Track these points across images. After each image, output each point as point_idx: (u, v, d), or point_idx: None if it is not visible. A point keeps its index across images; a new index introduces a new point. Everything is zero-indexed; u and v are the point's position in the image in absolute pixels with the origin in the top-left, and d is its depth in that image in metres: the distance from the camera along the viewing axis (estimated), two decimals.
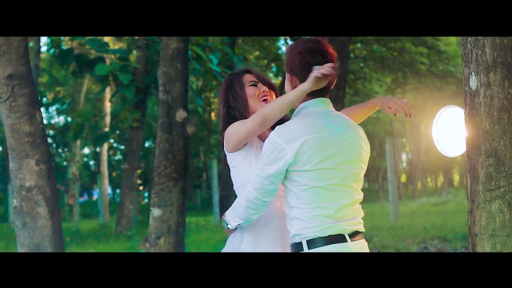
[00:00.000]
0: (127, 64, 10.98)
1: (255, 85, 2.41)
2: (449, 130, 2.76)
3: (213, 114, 27.09)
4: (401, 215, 11.36)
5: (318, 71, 2.03)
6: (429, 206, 17.18)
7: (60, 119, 29.36)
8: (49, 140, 26.07)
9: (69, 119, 27.06)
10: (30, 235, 3.39)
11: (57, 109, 27.53)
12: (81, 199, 28.09)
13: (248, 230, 2.27)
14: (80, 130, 12.73)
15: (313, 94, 2.15)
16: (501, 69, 2.04)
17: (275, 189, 2.12)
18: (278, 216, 2.27)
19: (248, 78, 2.43)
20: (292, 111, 2.28)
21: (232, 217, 2.23)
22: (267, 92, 2.41)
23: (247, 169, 2.26)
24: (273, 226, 2.26)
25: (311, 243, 2.06)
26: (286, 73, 2.21)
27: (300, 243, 2.08)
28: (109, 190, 26.32)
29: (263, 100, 2.39)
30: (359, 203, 2.18)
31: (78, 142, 22.57)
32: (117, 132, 23.86)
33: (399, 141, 32.40)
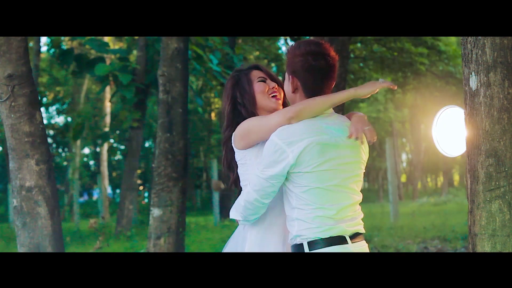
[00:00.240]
0: (127, 64, 10.98)
1: (263, 81, 2.36)
2: (449, 130, 2.76)
3: (213, 114, 27.09)
4: (401, 215, 11.36)
5: (385, 83, 2.14)
6: (429, 206, 17.19)
7: (60, 119, 29.38)
8: (49, 140, 26.06)
9: (69, 119, 27.07)
10: (30, 235, 3.39)
11: (57, 109, 27.54)
12: (81, 199, 28.08)
13: (254, 227, 2.24)
14: (80, 130, 12.73)
15: (309, 95, 2.15)
16: (501, 69, 2.04)
17: (275, 191, 2.12)
18: (284, 215, 2.24)
19: (256, 74, 2.38)
20: None
21: (235, 213, 2.23)
22: (276, 88, 2.36)
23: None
24: (279, 225, 2.22)
25: (312, 244, 2.06)
26: (287, 74, 2.20)
27: (301, 244, 2.08)
28: (109, 190, 26.32)
29: (273, 96, 2.34)
30: (359, 204, 2.19)
31: (78, 142, 22.57)
32: (117, 132, 23.87)
33: (399, 141, 32.42)
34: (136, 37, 12.08)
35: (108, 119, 21.60)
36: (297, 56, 2.13)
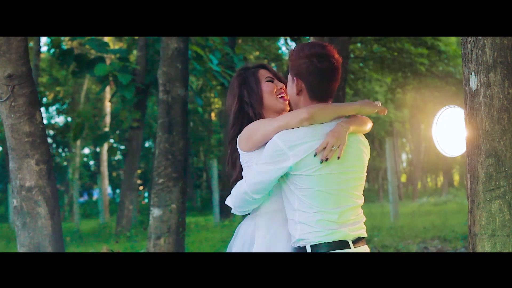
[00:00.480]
0: (127, 65, 10.98)
1: (271, 81, 2.32)
2: (449, 130, 2.77)
3: (213, 114, 27.09)
4: (401, 215, 11.36)
5: (379, 106, 2.22)
6: (429, 206, 17.19)
7: (60, 119, 29.38)
8: (49, 140, 26.06)
9: (69, 119, 27.07)
10: (30, 235, 3.39)
11: (57, 109, 27.54)
12: (81, 199, 28.09)
13: (262, 229, 2.20)
14: (80, 130, 12.74)
15: (315, 100, 2.14)
16: (501, 69, 2.04)
17: (266, 189, 2.11)
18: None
19: (264, 73, 2.34)
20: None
21: (229, 199, 2.23)
22: (283, 89, 2.31)
23: None
24: (287, 228, 2.19)
25: (314, 248, 2.06)
26: (290, 76, 2.19)
27: (304, 247, 2.07)
28: (109, 190, 26.33)
29: (280, 97, 2.31)
30: (361, 207, 2.19)
31: (78, 142, 22.57)
32: (117, 132, 23.87)
33: (399, 141, 32.43)
34: (136, 37, 12.08)
35: (108, 119, 21.61)
36: (302, 58, 2.12)
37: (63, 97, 25.97)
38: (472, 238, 2.12)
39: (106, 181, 19.65)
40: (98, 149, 25.72)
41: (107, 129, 20.56)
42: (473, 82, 2.10)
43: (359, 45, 14.72)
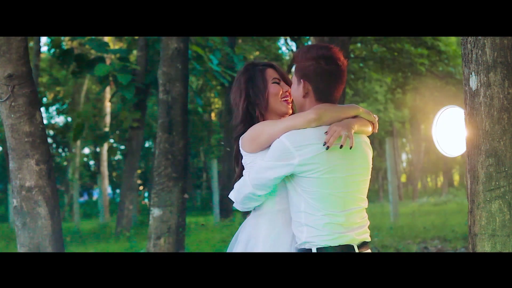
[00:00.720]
0: (127, 65, 10.99)
1: (278, 83, 2.28)
2: (449, 130, 2.77)
3: (213, 114, 27.10)
4: (401, 215, 11.36)
5: (376, 124, 2.25)
6: (429, 206, 17.18)
7: (60, 119, 29.39)
8: (49, 140, 26.07)
9: (69, 119, 27.07)
10: (30, 235, 3.39)
11: (57, 109, 27.54)
12: (81, 199, 28.10)
13: (266, 228, 2.18)
14: (80, 130, 12.74)
15: (321, 102, 2.13)
16: (501, 69, 2.05)
17: (268, 186, 2.10)
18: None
19: (271, 74, 2.29)
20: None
21: (232, 194, 2.22)
22: (289, 92, 2.27)
23: None
24: (291, 228, 2.17)
25: (321, 251, 2.05)
26: (296, 78, 2.17)
27: (310, 250, 2.07)
28: (109, 190, 26.32)
29: (284, 100, 2.26)
30: (365, 210, 2.19)
31: (78, 142, 22.57)
32: (117, 132, 23.88)
33: (399, 141, 32.42)
34: (136, 37, 12.08)
35: (108, 119, 21.60)
36: (309, 60, 2.11)
37: (63, 97, 25.98)
38: (472, 238, 2.12)
39: (106, 181, 19.65)
40: (98, 149, 25.71)
41: (107, 129, 20.56)
42: (473, 82, 2.10)
43: (359, 45, 14.73)
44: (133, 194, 12.26)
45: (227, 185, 14.53)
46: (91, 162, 31.12)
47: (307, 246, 2.07)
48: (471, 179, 2.12)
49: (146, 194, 27.55)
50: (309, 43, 14.50)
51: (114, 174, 29.40)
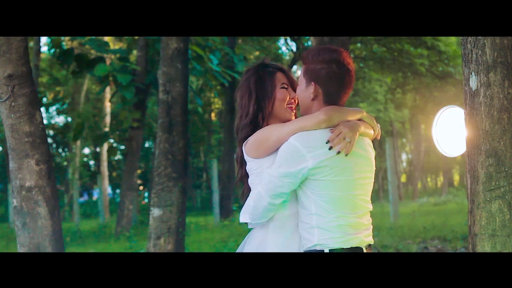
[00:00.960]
0: (127, 65, 10.99)
1: (286, 89, 2.23)
2: (449, 130, 2.77)
3: (213, 114, 27.11)
4: (401, 215, 11.36)
5: (378, 130, 2.26)
6: (429, 206, 17.19)
7: (60, 119, 29.39)
8: (49, 140, 26.07)
9: (69, 119, 27.08)
10: (30, 235, 3.39)
11: (57, 109, 27.54)
12: (81, 199, 28.10)
13: (274, 233, 2.14)
14: (80, 130, 12.74)
15: (329, 104, 2.13)
16: (501, 69, 2.05)
17: (286, 193, 2.07)
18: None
19: (280, 78, 2.24)
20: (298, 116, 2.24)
21: (245, 216, 2.17)
22: (294, 100, 2.23)
23: None
24: (298, 233, 2.15)
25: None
26: (305, 81, 2.15)
27: (322, 251, 2.06)
28: (109, 190, 26.33)
29: (289, 107, 2.23)
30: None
31: (78, 142, 22.58)
32: (117, 132, 23.91)
33: (399, 141, 32.44)
34: (136, 37, 12.08)
35: (108, 119, 21.61)
36: (320, 63, 2.11)
37: (63, 97, 25.99)
38: (472, 238, 2.12)
39: (106, 181, 19.66)
40: (98, 149, 25.73)
41: (107, 129, 20.57)
42: (473, 82, 2.10)
43: (359, 45, 14.73)
44: (133, 194, 12.26)
45: (227, 185, 14.52)
46: (91, 162, 31.12)
47: (318, 248, 2.05)
48: (471, 179, 2.12)
49: (146, 194, 27.56)
50: (309, 43, 14.51)
51: (114, 174, 29.41)
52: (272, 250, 2.12)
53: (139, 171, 22.62)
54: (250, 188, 2.21)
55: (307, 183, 2.06)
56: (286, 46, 19.38)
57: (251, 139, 2.15)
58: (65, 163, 27.18)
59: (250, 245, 2.20)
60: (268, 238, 2.15)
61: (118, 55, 11.52)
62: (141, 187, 27.09)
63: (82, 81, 22.29)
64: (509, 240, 2.02)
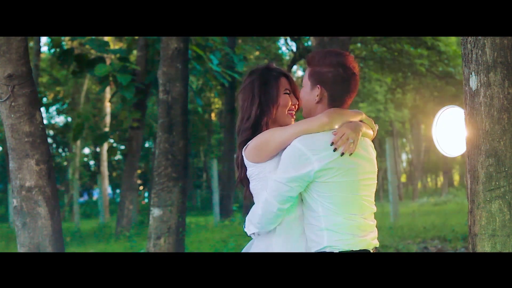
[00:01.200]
0: (127, 65, 10.99)
1: (288, 94, 2.22)
2: (449, 130, 2.77)
3: (213, 114, 27.11)
4: (401, 215, 11.36)
5: (375, 131, 2.27)
6: (429, 206, 17.18)
7: (60, 119, 29.39)
8: (49, 140, 26.07)
9: (69, 119, 27.08)
10: (30, 235, 3.39)
11: (57, 109, 27.55)
12: (81, 199, 28.11)
13: (280, 237, 2.12)
14: (80, 130, 12.74)
15: (332, 107, 2.13)
16: (501, 69, 2.05)
17: (293, 197, 2.06)
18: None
19: (284, 83, 2.23)
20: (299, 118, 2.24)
21: (251, 227, 2.15)
22: (295, 106, 2.23)
23: None
24: (305, 236, 2.13)
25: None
26: (310, 83, 2.15)
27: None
28: (109, 190, 26.32)
29: (290, 113, 2.22)
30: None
31: (78, 142, 22.58)
32: (117, 132, 23.93)
33: (399, 141, 32.44)
34: (136, 37, 12.08)
35: (108, 119, 21.60)
36: (327, 66, 2.11)
37: (63, 97, 25.98)
38: (472, 238, 2.12)
39: (106, 181, 19.66)
40: (98, 149, 25.72)
41: (107, 129, 20.56)
42: (473, 82, 2.10)
43: (359, 45, 14.73)
44: (133, 194, 12.25)
45: (227, 185, 14.51)
46: (91, 162, 31.12)
47: (328, 250, 2.05)
48: (471, 179, 2.12)
49: (146, 194, 27.56)
50: (309, 43, 14.50)
51: (114, 174, 29.41)
52: (277, 250, 2.10)
53: (139, 171, 22.62)
54: (251, 193, 2.19)
55: (312, 186, 2.05)
56: (286, 46, 19.39)
57: (252, 143, 2.14)
58: (65, 163, 27.18)
59: (256, 249, 2.18)
60: (274, 241, 2.12)
61: (118, 55, 11.52)
62: (141, 187, 27.09)
63: (82, 81, 22.28)
64: (509, 240, 2.02)
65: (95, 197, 30.63)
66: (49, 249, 3.39)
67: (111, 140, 25.54)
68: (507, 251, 2.02)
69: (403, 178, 35.73)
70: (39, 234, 3.39)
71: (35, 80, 6.06)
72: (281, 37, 17.32)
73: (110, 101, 16.37)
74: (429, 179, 41.70)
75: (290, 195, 2.04)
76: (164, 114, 5.52)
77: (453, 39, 13.82)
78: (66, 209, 20.02)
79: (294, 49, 16.79)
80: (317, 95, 2.12)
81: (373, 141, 2.29)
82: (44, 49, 24.64)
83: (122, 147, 27.26)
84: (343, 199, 2.05)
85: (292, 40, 16.36)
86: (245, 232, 2.23)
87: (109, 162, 27.14)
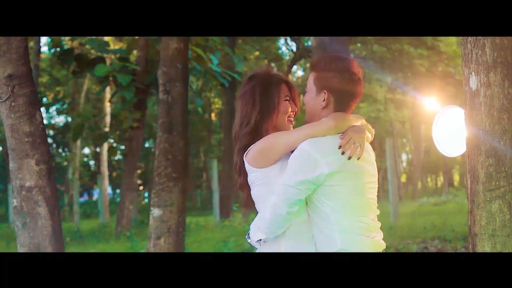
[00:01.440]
0: (127, 65, 10.98)
1: (288, 101, 2.23)
2: (449, 130, 2.77)
3: (213, 114, 27.11)
4: (401, 215, 11.36)
5: (372, 134, 2.26)
6: (429, 206, 17.18)
7: (60, 119, 29.39)
8: (49, 140, 26.06)
9: (69, 119, 27.07)
10: (30, 235, 3.39)
11: (57, 109, 27.55)
12: (81, 199, 28.10)
13: (288, 240, 2.09)
14: (80, 130, 12.73)
15: (338, 111, 2.14)
16: (501, 69, 2.05)
17: (301, 200, 2.05)
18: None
19: (284, 90, 2.23)
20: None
21: (258, 233, 2.12)
22: (294, 113, 2.24)
23: None
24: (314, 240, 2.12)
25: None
26: (315, 88, 2.15)
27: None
28: (109, 190, 26.32)
29: (289, 120, 2.22)
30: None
31: (78, 142, 22.58)
32: (117, 132, 23.93)
33: (399, 141, 32.43)
34: (136, 37, 12.08)
35: (108, 119, 21.60)
36: (333, 71, 2.12)
37: (63, 97, 25.99)
38: (472, 238, 2.12)
39: (106, 181, 19.65)
40: (98, 149, 25.73)
41: (107, 129, 20.55)
42: (473, 82, 2.10)
43: (359, 45, 14.73)
44: (133, 194, 12.26)
45: (227, 185, 14.51)
46: (91, 162, 31.13)
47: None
48: (471, 179, 2.12)
49: (146, 194, 27.56)
50: (309, 43, 14.50)
51: (114, 174, 29.41)
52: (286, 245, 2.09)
53: (139, 171, 22.62)
54: (253, 200, 2.17)
55: (320, 189, 2.05)
56: (286, 46, 19.39)
57: (255, 148, 2.13)
58: (65, 163, 27.17)
59: (263, 249, 2.15)
60: (284, 244, 2.10)
61: (118, 55, 11.52)
62: (141, 187, 27.10)
63: (82, 81, 22.29)
64: (509, 240, 2.02)
65: (95, 197, 30.62)
66: (49, 249, 3.39)
67: (111, 140, 25.52)
68: (507, 251, 2.02)
69: (403, 178, 35.72)
70: (39, 234, 3.39)
71: (35, 80, 6.06)
72: (281, 37, 17.33)
73: (110, 101, 16.36)
74: (429, 179, 41.68)
75: (299, 198, 2.04)
76: (164, 114, 5.51)
77: (453, 39, 13.81)
78: (66, 209, 20.02)
79: (294, 49, 16.78)
80: (324, 100, 2.13)
81: (373, 141, 2.30)
82: (44, 49, 24.63)
83: (122, 147, 27.25)
84: (352, 202, 2.06)
85: (292, 40, 16.36)
86: (249, 243, 2.20)
87: (109, 162, 27.14)
